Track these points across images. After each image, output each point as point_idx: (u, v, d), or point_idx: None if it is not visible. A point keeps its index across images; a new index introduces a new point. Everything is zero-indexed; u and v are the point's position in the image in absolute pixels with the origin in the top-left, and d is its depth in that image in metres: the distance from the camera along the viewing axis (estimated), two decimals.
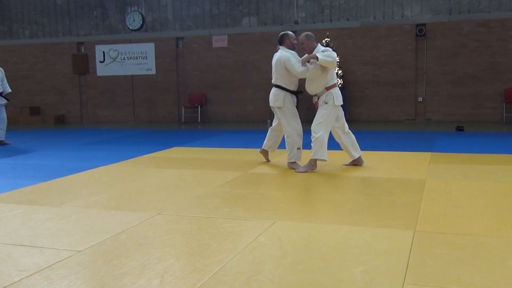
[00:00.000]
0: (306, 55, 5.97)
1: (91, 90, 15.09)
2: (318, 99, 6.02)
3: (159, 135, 11.22)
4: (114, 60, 14.74)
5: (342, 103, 6.04)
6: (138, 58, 14.55)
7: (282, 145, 6.64)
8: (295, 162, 6.20)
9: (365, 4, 12.77)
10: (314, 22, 13.12)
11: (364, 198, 4.71)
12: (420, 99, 12.56)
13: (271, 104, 6.26)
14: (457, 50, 12.20)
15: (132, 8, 14.50)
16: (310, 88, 6.07)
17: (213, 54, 13.91)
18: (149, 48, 14.42)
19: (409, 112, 12.65)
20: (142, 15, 14.32)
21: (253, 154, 7.25)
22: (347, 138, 6.24)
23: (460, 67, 12.22)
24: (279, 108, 6.18)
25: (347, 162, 6.41)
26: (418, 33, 12.37)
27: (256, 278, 2.87)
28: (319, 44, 6.06)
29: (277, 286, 2.76)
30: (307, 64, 5.90)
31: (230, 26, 13.77)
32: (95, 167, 6.69)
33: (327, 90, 5.93)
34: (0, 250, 3.44)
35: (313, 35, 6.03)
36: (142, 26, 14.35)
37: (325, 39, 12.33)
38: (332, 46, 12.31)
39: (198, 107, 13.96)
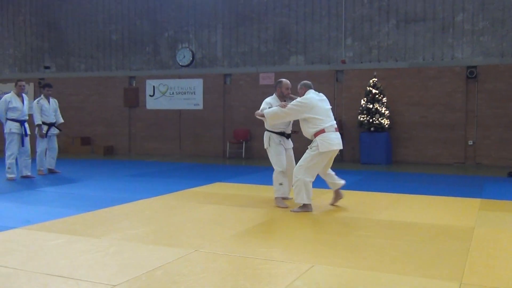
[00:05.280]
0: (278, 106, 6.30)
1: (140, 123, 15.46)
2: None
3: (204, 169, 11.30)
4: (164, 94, 15.11)
5: (330, 149, 5.96)
6: (187, 93, 14.86)
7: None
8: (279, 197, 6.45)
9: (414, 45, 12.65)
10: (361, 62, 13.09)
11: (407, 245, 4.53)
12: (470, 142, 12.19)
13: None
14: (510, 94, 11.83)
15: (183, 45, 14.91)
16: (303, 132, 6.23)
17: (259, 91, 13.99)
18: (197, 84, 14.72)
19: (459, 156, 12.27)
20: (192, 52, 14.70)
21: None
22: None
23: None
24: (266, 148, 6.63)
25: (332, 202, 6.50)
26: (469, 75, 12.10)
27: None
28: (310, 90, 6.22)
29: None
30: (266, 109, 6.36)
31: (277, 64, 13.91)
32: (139, 199, 6.78)
33: (315, 137, 6.01)
34: (38, 280, 3.49)
35: (309, 84, 6.31)
36: (191, 62, 14.70)
37: (372, 79, 12.25)
38: (379, 86, 12.24)
39: (243, 142, 14.03)
